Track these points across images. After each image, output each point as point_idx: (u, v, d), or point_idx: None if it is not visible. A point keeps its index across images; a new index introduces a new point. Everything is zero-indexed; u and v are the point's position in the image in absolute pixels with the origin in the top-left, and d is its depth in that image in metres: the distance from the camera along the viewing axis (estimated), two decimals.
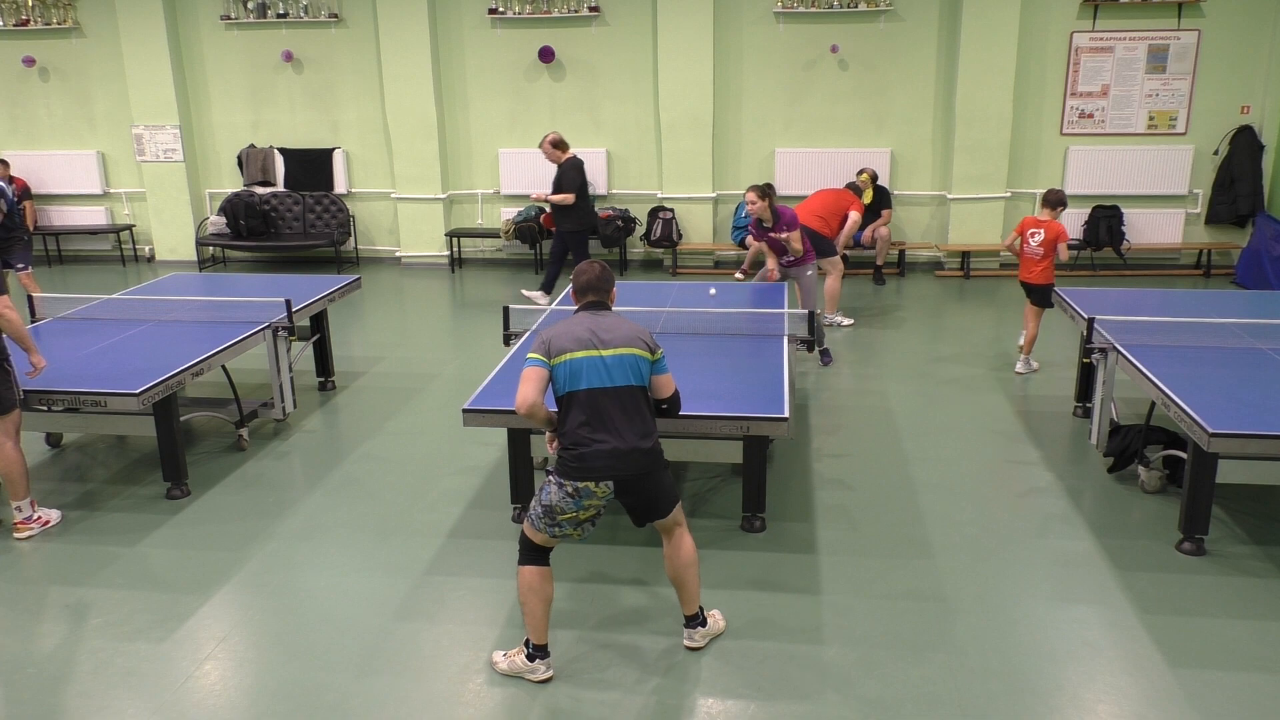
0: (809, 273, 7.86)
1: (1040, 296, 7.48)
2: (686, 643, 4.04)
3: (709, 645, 4.06)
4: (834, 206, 8.87)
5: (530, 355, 3.75)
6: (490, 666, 3.94)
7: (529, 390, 3.68)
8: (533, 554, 3.81)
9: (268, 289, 7.24)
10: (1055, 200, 7.45)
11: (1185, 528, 4.77)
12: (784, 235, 7.57)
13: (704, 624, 4.06)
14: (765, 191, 7.40)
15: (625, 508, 3.88)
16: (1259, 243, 10.24)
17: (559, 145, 9.44)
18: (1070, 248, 10.62)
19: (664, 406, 3.97)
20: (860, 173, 10.41)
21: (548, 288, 9.71)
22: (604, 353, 3.72)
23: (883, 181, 10.94)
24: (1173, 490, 5.38)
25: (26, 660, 4.05)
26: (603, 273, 3.92)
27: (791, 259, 7.75)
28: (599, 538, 4.96)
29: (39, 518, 5.13)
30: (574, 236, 9.58)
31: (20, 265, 8.65)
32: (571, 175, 9.43)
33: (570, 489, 3.71)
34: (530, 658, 3.84)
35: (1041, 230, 7.35)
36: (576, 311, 3.90)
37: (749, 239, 8.09)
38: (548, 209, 10.78)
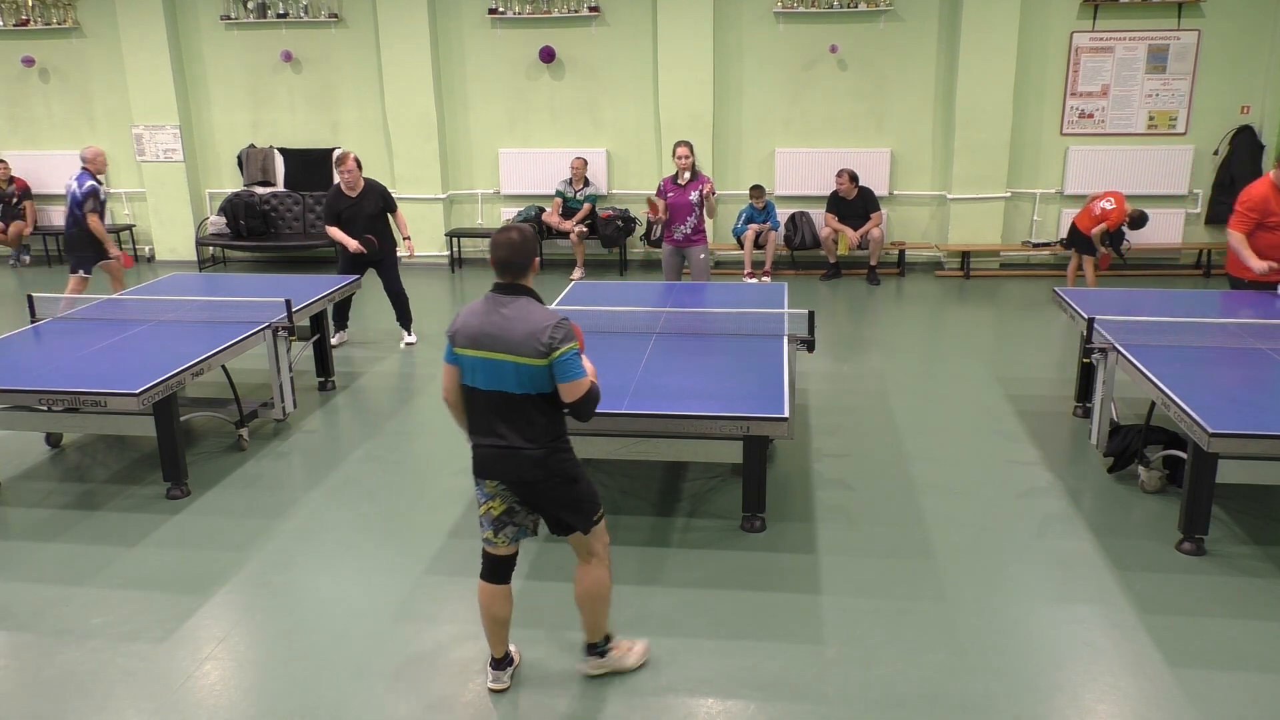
0: (701, 255, 8.10)
1: (1087, 245, 9.32)
2: (579, 667, 3.88)
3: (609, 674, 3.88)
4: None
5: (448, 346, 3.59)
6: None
7: (444, 384, 3.65)
8: (486, 568, 3.73)
9: (268, 289, 7.24)
10: (1138, 220, 9.31)
11: (1185, 528, 4.77)
12: (706, 187, 7.93)
13: (602, 655, 3.84)
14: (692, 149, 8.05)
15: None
16: None
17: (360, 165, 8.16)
18: (1067, 247, 10.71)
19: (566, 411, 3.54)
20: (839, 175, 10.51)
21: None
22: (487, 355, 3.46)
23: (882, 181, 10.96)
24: (1173, 490, 5.37)
25: (26, 660, 4.05)
26: (518, 246, 3.49)
27: (690, 233, 8.02)
28: None
29: None
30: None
31: (86, 271, 8.48)
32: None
33: (476, 480, 3.64)
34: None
35: (1114, 202, 9.00)
36: (489, 291, 3.60)
37: (654, 197, 8.22)
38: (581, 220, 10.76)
